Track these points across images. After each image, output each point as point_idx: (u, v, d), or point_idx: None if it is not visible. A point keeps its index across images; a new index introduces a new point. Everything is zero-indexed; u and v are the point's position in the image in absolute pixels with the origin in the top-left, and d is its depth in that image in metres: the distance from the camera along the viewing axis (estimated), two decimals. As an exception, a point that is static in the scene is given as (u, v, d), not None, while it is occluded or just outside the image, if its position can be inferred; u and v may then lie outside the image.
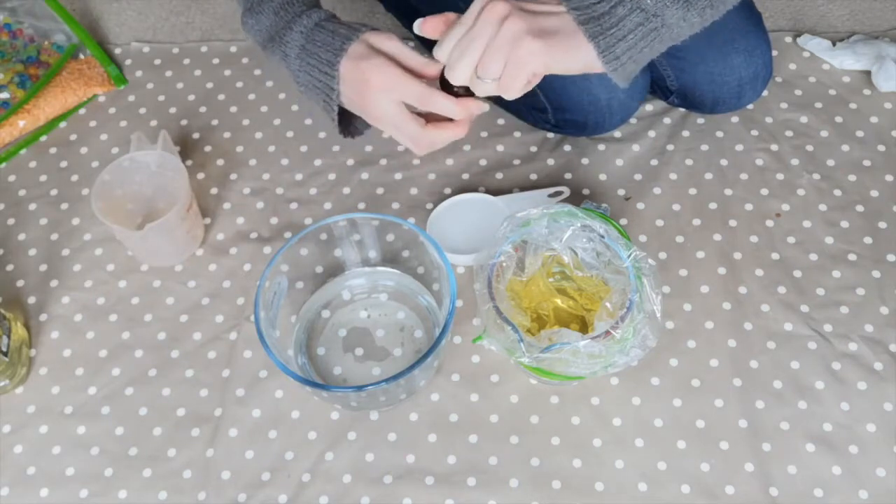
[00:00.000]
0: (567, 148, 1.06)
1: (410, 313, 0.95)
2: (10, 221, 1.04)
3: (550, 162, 1.05)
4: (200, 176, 1.07)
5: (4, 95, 1.11)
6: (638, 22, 0.69)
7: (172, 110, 1.13)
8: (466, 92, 0.74)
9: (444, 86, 0.74)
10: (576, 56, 0.70)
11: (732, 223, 1.00)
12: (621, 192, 1.03)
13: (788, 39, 1.15)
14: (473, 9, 0.69)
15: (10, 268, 1.01)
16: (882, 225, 1.00)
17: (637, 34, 0.69)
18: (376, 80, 0.70)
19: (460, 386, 0.91)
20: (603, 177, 1.04)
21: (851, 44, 1.13)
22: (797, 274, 0.96)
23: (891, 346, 0.91)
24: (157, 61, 1.18)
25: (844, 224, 1.00)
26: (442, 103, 0.71)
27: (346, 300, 0.96)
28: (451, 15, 0.73)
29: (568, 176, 1.04)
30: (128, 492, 0.86)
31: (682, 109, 1.08)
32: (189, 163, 1.07)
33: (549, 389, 0.90)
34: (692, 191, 1.03)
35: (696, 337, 0.93)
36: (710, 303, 0.95)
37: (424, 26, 0.73)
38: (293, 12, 0.75)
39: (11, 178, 1.08)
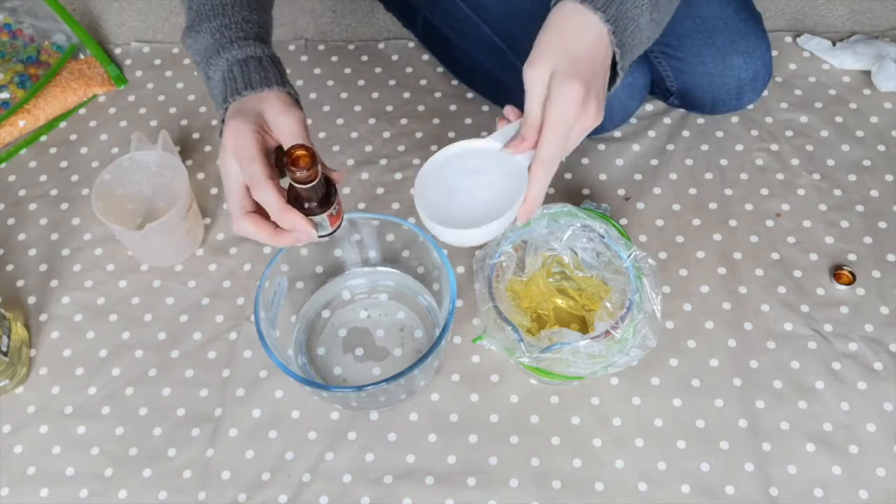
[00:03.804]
0: (567, 148, 1.06)
1: (410, 313, 0.95)
2: (10, 221, 1.04)
3: (550, 162, 1.05)
4: (200, 176, 1.07)
5: (4, 95, 1.11)
6: None
7: (172, 110, 1.13)
8: (310, 212, 0.68)
9: (295, 200, 0.67)
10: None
11: (732, 223, 1.00)
12: (621, 192, 1.03)
13: (788, 39, 1.15)
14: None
15: (10, 268, 1.01)
16: (882, 225, 1.00)
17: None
18: (229, 142, 0.67)
19: (460, 386, 0.91)
20: (603, 177, 1.04)
21: (851, 44, 1.13)
22: (797, 274, 0.96)
23: (891, 346, 0.91)
24: (157, 61, 1.18)
25: (844, 224, 1.00)
26: (268, 197, 0.65)
27: (346, 300, 0.96)
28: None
29: (568, 176, 1.04)
30: (128, 492, 0.86)
31: (682, 109, 1.08)
32: (189, 163, 1.07)
33: (549, 389, 0.90)
34: (692, 191, 1.03)
35: (696, 337, 0.93)
36: (710, 303, 0.95)
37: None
38: (228, 37, 0.72)
39: (11, 178, 1.08)
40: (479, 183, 0.72)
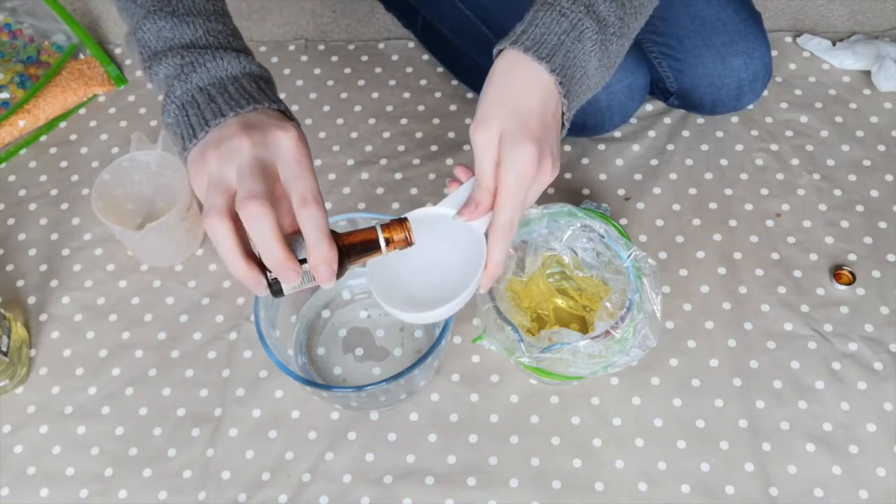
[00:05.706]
0: (567, 148, 1.06)
1: (410, 313, 0.95)
2: (10, 221, 1.04)
3: (550, 162, 1.05)
4: (200, 176, 1.07)
5: (4, 95, 1.11)
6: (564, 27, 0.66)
7: (172, 110, 1.13)
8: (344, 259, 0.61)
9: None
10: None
11: (732, 223, 1.00)
12: (621, 192, 1.03)
13: (788, 39, 1.16)
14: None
15: (10, 268, 1.01)
16: (882, 225, 1.00)
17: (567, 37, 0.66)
18: (287, 136, 0.59)
19: (460, 386, 0.91)
20: (603, 177, 1.04)
21: (851, 44, 1.13)
22: (797, 274, 0.96)
23: (891, 346, 0.91)
24: (157, 61, 1.18)
25: (844, 224, 1.00)
26: (322, 218, 0.58)
27: (346, 300, 0.96)
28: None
29: (568, 176, 1.04)
30: (128, 492, 0.86)
31: (682, 109, 1.08)
32: (189, 163, 1.07)
33: (549, 389, 0.90)
34: (692, 191, 1.03)
35: (696, 337, 0.93)
36: (710, 303, 0.95)
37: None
38: (226, 43, 0.65)
39: (11, 178, 1.08)
40: (436, 254, 0.69)
